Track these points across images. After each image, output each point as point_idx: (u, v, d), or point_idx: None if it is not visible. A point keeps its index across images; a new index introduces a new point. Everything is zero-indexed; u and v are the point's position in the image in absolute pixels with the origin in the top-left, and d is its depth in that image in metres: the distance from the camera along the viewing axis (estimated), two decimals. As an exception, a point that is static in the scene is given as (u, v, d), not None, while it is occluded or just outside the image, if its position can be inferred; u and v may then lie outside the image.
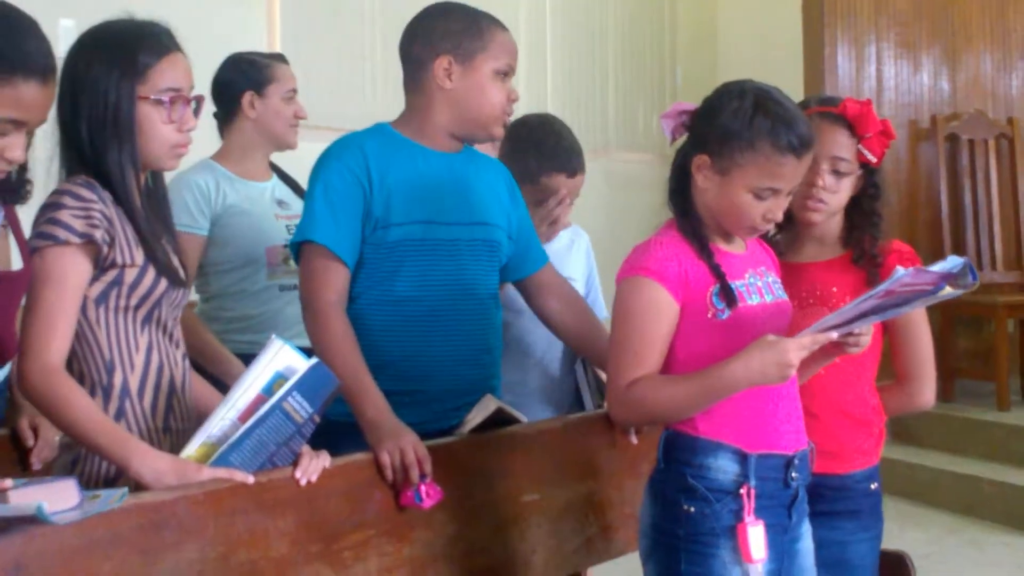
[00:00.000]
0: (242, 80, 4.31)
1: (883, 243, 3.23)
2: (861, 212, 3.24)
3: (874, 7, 7.96)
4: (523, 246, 3.49)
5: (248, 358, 3.96)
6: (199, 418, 2.85)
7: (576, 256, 4.10)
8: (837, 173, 3.16)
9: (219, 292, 4.25)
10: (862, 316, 2.69)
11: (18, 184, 2.70)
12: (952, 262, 2.63)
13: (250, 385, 2.73)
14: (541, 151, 3.85)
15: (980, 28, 8.06)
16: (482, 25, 3.30)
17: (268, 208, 4.24)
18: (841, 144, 3.16)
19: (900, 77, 7.97)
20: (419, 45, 3.30)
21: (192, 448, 2.68)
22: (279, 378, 2.74)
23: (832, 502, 3.18)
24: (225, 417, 2.69)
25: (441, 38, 3.28)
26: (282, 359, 2.77)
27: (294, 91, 4.35)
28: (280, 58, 4.48)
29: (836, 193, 3.18)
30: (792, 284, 3.13)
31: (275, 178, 4.39)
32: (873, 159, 3.17)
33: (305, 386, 2.73)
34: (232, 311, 4.21)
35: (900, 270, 2.58)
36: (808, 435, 3.02)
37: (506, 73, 3.31)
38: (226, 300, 4.23)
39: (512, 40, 3.35)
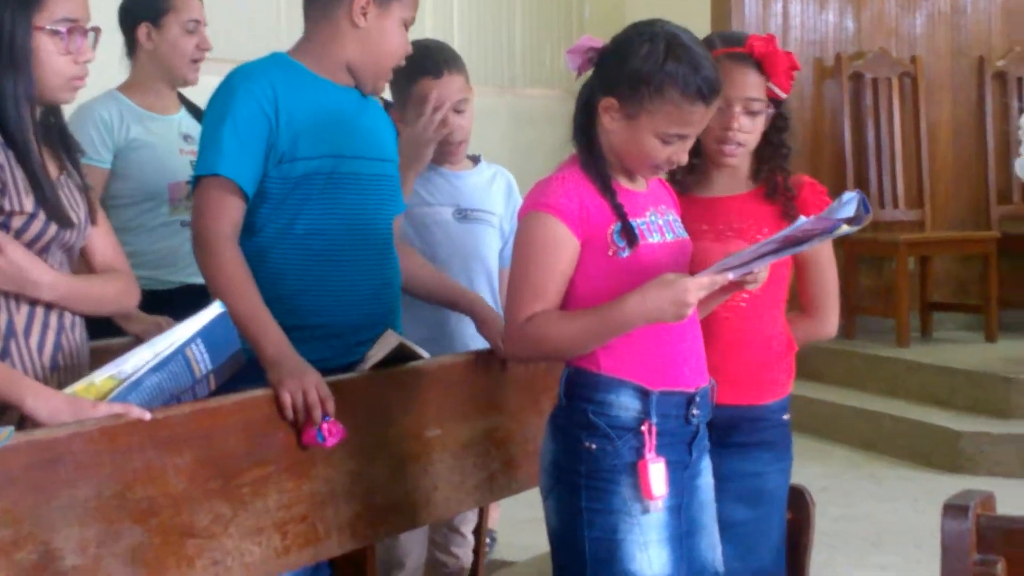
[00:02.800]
0: (138, 10, 4.24)
1: (796, 177, 3.28)
2: (770, 145, 3.27)
3: (781, -55, 7.97)
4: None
5: (147, 294, 3.93)
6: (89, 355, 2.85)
7: (496, 193, 4.04)
8: (751, 113, 3.18)
9: (119, 226, 4.17)
10: (761, 257, 2.73)
11: None
12: (848, 205, 2.67)
13: (176, 337, 2.73)
14: (402, 68, 3.73)
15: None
16: None
17: (173, 143, 4.19)
18: (752, 84, 3.18)
19: (806, 15, 8.00)
20: None
21: (100, 377, 2.66)
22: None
23: (749, 433, 3.24)
24: (143, 358, 2.67)
25: None
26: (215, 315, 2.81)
27: (197, 22, 4.26)
28: None
29: (751, 133, 3.21)
30: (709, 218, 3.21)
31: (183, 111, 4.32)
32: (783, 95, 3.21)
33: (209, 336, 2.77)
34: (132, 246, 4.14)
35: (803, 219, 2.68)
36: (731, 366, 3.14)
37: (408, 25, 3.29)
38: (126, 235, 4.16)
39: None
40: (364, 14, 3.21)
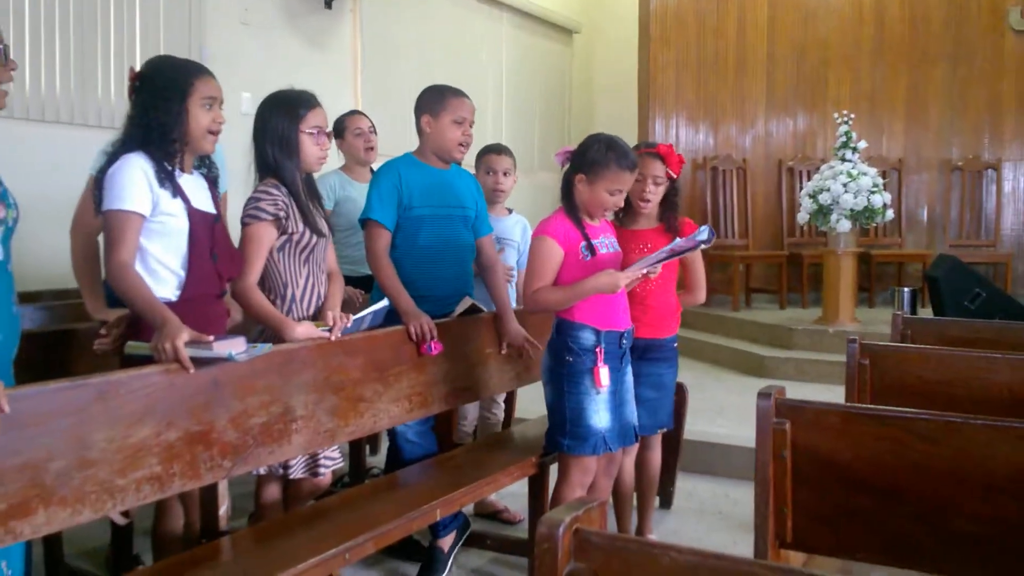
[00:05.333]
0: (336, 127, 4.24)
1: (680, 219, 3.26)
2: (668, 201, 3.25)
3: (675, 98, 7.92)
4: (478, 221, 3.37)
5: (348, 279, 3.93)
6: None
7: (516, 228, 3.94)
8: (656, 183, 3.17)
9: (336, 242, 4.14)
10: (659, 261, 2.79)
11: (214, 173, 2.64)
12: (702, 232, 2.79)
13: (365, 313, 2.82)
14: (481, 149, 3.73)
15: (729, 109, 8.02)
16: (445, 94, 3.20)
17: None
18: (658, 168, 3.16)
19: (688, 136, 7.96)
20: (416, 110, 3.23)
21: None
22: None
23: (657, 352, 3.25)
24: (351, 318, 2.75)
25: (423, 103, 3.21)
26: (382, 307, 2.91)
27: (361, 129, 4.19)
28: (355, 112, 4.36)
29: (656, 195, 3.20)
30: (635, 240, 3.20)
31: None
32: (674, 175, 3.21)
33: (376, 315, 2.87)
34: (342, 252, 4.14)
35: (679, 240, 2.77)
36: (649, 317, 3.17)
37: (461, 122, 3.18)
38: (338, 247, 4.11)
39: (466, 102, 3.22)
40: (428, 125, 3.19)
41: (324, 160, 2.82)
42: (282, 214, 2.67)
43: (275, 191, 2.68)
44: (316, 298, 2.81)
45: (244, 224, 2.68)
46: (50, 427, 1.88)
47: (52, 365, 2.72)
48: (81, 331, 2.89)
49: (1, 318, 2.05)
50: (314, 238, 2.77)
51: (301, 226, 2.73)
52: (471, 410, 3.92)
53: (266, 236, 2.66)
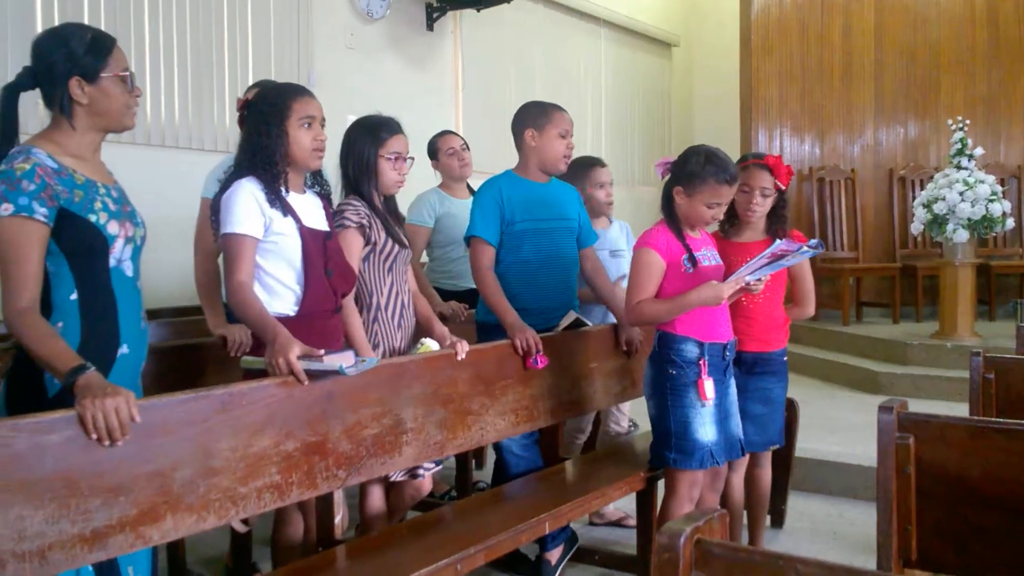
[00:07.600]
0: (429, 149, 4.29)
1: (789, 231, 3.19)
2: (775, 213, 3.20)
3: (778, 109, 7.78)
4: (583, 231, 3.38)
5: (450, 292, 3.96)
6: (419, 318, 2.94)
7: (620, 238, 3.92)
8: (764, 196, 3.13)
9: (438, 257, 4.25)
10: (761, 268, 2.73)
11: (327, 191, 2.71)
12: (812, 242, 2.72)
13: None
14: (581, 168, 3.71)
15: (836, 119, 7.85)
16: (547, 109, 3.22)
17: (465, 214, 4.16)
18: (766, 179, 3.12)
19: (792, 146, 7.81)
20: (518, 125, 3.24)
21: (427, 341, 2.82)
22: None
23: (765, 366, 3.18)
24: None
25: (526, 119, 3.22)
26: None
27: (453, 148, 4.22)
28: (446, 132, 4.36)
29: (764, 207, 3.15)
30: (740, 253, 3.14)
31: (472, 198, 4.33)
32: (783, 187, 3.15)
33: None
34: (446, 267, 4.21)
35: (778, 241, 2.69)
36: (756, 331, 3.12)
37: (564, 135, 3.20)
38: (440, 262, 4.23)
39: (567, 116, 3.23)
40: (533, 139, 3.20)
41: (401, 184, 2.89)
42: (365, 222, 2.77)
43: (356, 202, 2.80)
44: (400, 307, 2.88)
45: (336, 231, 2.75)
46: (177, 436, 1.96)
47: (179, 379, 2.83)
48: (207, 345, 3.00)
49: (131, 333, 2.15)
50: (396, 247, 2.85)
51: (383, 235, 2.81)
52: (589, 422, 3.90)
53: (354, 242, 2.75)
